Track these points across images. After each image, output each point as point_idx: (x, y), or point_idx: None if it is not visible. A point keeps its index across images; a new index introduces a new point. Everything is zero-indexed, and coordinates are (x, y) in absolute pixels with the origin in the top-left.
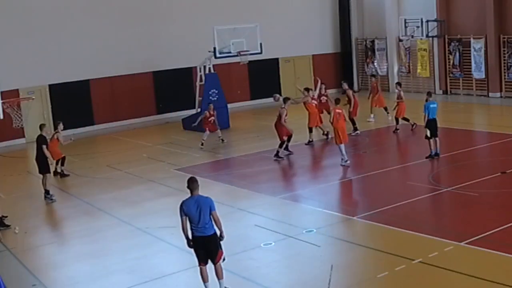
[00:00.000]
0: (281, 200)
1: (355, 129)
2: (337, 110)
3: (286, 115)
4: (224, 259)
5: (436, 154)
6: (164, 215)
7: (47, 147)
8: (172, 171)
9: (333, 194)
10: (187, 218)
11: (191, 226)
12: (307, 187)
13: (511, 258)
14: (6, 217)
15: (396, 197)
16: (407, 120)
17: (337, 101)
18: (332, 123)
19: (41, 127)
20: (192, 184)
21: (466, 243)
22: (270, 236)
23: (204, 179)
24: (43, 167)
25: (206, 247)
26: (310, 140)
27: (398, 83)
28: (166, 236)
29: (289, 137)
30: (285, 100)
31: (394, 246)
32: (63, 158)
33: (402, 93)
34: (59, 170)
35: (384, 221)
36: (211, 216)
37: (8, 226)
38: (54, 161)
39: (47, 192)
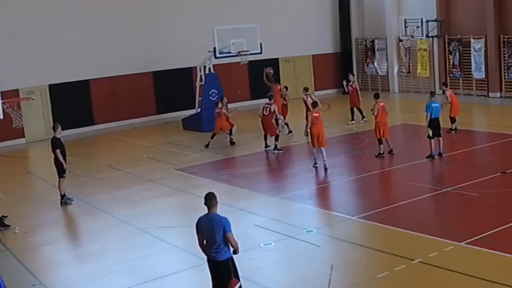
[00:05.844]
0: (281, 200)
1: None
2: (314, 114)
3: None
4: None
5: (440, 154)
6: (164, 215)
7: (61, 151)
8: (172, 171)
9: (333, 194)
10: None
11: (205, 245)
12: (307, 187)
13: (511, 258)
14: (6, 217)
15: (396, 197)
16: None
17: (314, 104)
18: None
19: (55, 128)
20: (209, 200)
21: (466, 243)
22: (270, 236)
23: (204, 179)
24: (60, 171)
25: (217, 273)
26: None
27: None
28: (166, 236)
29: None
30: (270, 97)
31: (394, 246)
32: (231, 128)
33: (447, 93)
34: (229, 140)
35: (384, 221)
36: (226, 239)
37: (8, 226)
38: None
39: (62, 196)
